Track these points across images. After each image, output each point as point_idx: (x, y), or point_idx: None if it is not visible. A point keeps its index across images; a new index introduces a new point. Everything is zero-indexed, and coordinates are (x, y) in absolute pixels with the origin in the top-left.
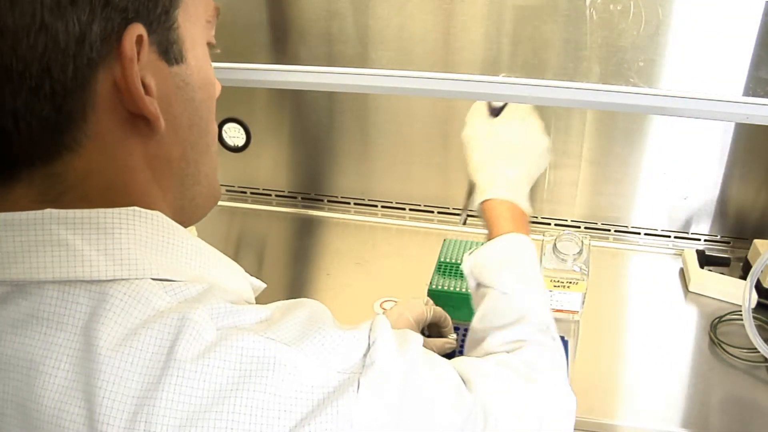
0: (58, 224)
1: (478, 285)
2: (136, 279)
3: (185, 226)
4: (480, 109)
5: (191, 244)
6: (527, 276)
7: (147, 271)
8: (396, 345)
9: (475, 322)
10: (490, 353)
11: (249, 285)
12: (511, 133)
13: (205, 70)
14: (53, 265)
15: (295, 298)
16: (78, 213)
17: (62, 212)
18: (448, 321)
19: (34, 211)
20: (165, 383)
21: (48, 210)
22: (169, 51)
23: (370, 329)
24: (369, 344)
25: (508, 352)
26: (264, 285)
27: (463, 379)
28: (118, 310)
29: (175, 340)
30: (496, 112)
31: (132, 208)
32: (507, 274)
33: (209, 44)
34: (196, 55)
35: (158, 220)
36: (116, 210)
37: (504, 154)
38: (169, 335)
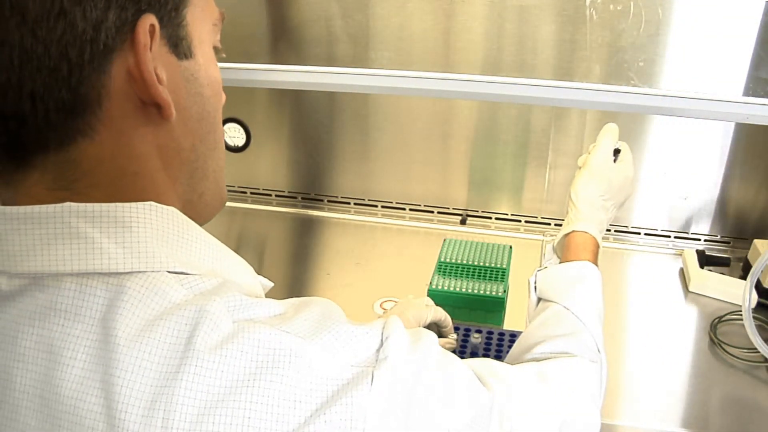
0: (77, 217)
1: (541, 300)
2: (153, 272)
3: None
4: (607, 150)
5: (205, 240)
6: (592, 299)
7: (164, 264)
8: (409, 342)
9: (532, 329)
10: (534, 359)
11: (258, 282)
12: (621, 181)
13: (212, 70)
14: (72, 258)
15: (295, 297)
16: (97, 207)
17: (81, 206)
18: (448, 321)
19: (53, 205)
20: (184, 372)
21: (68, 204)
22: (179, 45)
23: (384, 326)
24: (382, 340)
25: (548, 360)
26: (272, 284)
27: (479, 378)
28: (135, 301)
29: (193, 331)
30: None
31: (149, 203)
32: (574, 292)
33: (215, 48)
34: (204, 52)
35: (173, 216)
36: (134, 204)
37: (610, 197)
38: (187, 326)
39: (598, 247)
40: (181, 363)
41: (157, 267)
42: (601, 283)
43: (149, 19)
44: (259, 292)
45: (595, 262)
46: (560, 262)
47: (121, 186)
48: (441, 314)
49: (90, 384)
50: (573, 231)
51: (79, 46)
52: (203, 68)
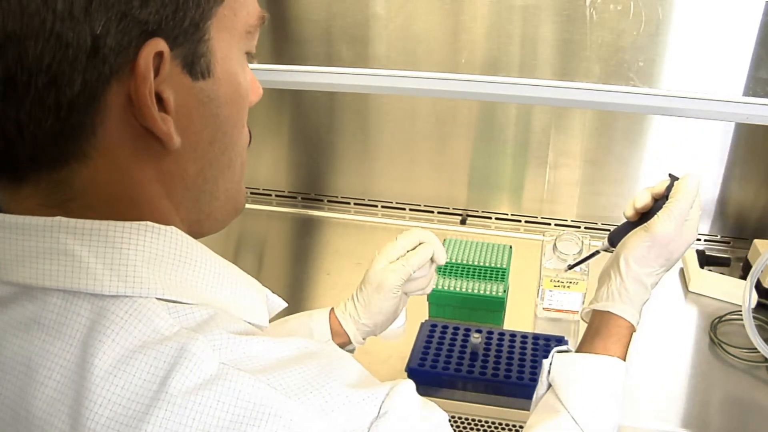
0: (66, 233)
1: (551, 390)
2: (140, 297)
3: (202, 236)
4: (684, 214)
5: (205, 263)
6: (609, 412)
7: (152, 290)
8: (411, 422)
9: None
10: None
11: (264, 307)
12: (681, 251)
13: (236, 84)
14: (58, 274)
15: (295, 298)
16: (88, 224)
17: (72, 221)
18: (430, 241)
19: (44, 218)
20: (152, 415)
21: (58, 218)
22: (195, 65)
23: (387, 395)
24: (379, 413)
25: None
26: (284, 304)
27: None
28: (117, 328)
29: (170, 371)
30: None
31: (145, 222)
32: (588, 402)
33: (248, 53)
34: (228, 68)
35: (172, 236)
36: (128, 224)
37: (662, 273)
38: (165, 364)
39: (631, 332)
40: (151, 404)
41: (145, 293)
42: (621, 382)
43: (155, 45)
44: (262, 317)
45: (625, 355)
46: (583, 343)
47: (117, 210)
48: (416, 239)
49: (59, 408)
50: (610, 313)
51: (69, 75)
52: (224, 85)
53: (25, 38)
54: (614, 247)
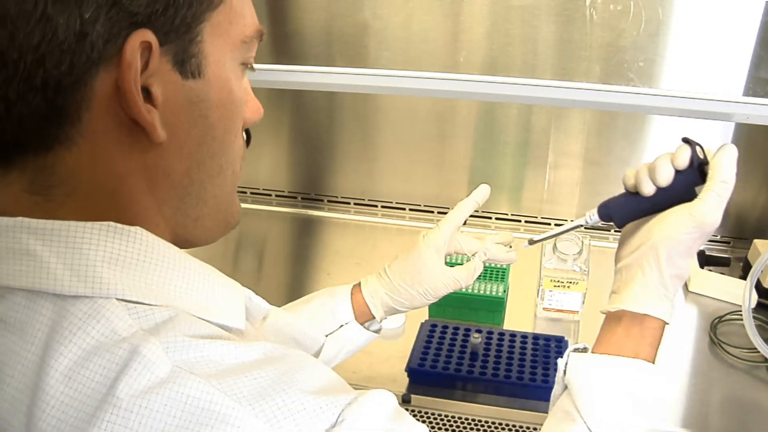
0: (28, 233)
1: (567, 392)
2: (100, 298)
3: (192, 246)
4: (727, 196)
5: (173, 264)
6: (631, 419)
7: (113, 291)
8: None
9: None
10: None
11: (241, 309)
12: (712, 228)
13: (228, 90)
14: (21, 274)
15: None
16: (49, 224)
17: (33, 221)
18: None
19: (6, 218)
20: (99, 419)
21: (20, 218)
22: (186, 63)
23: (348, 404)
24: (336, 422)
25: None
26: (268, 307)
27: None
28: (75, 329)
29: (119, 374)
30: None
31: (107, 223)
32: (607, 411)
33: (247, 65)
34: (221, 73)
35: (137, 237)
36: (89, 224)
37: (694, 252)
38: (117, 366)
39: (662, 329)
40: (99, 407)
41: (104, 293)
42: (648, 387)
43: (142, 36)
44: (236, 321)
45: (654, 356)
46: (606, 343)
47: (99, 201)
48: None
49: (18, 407)
50: (648, 315)
51: (57, 56)
52: (215, 89)
53: (17, 18)
54: (609, 221)
